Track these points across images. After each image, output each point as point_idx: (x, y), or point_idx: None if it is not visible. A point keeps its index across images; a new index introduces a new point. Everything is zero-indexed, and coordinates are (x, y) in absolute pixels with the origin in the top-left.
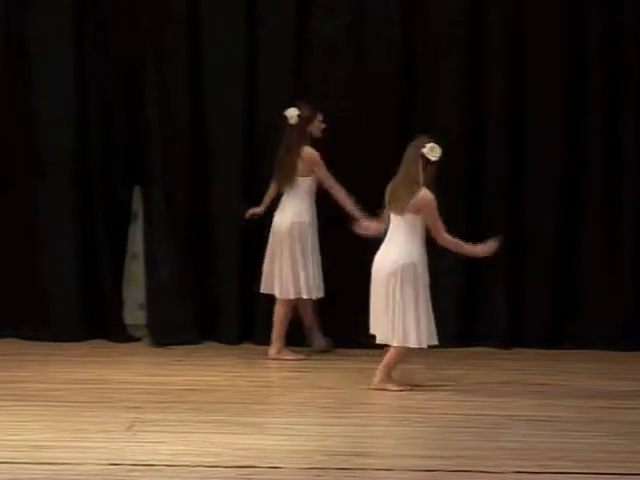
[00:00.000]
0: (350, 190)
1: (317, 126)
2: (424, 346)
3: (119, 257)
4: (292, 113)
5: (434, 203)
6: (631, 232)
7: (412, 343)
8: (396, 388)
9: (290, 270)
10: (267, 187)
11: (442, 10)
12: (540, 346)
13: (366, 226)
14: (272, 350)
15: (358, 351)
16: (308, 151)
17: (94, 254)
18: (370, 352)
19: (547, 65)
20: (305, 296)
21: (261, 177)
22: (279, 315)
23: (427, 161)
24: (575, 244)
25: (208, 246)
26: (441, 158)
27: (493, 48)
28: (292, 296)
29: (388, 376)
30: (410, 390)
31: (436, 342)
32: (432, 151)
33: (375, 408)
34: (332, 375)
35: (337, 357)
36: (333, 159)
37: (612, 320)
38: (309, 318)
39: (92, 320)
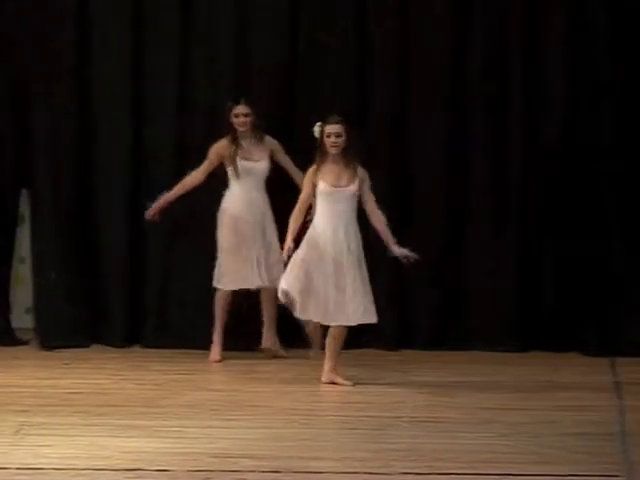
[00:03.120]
0: None
1: (233, 117)
2: None
3: (6, 260)
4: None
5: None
6: (514, 233)
7: None
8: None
9: None
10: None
11: None
12: (427, 347)
13: None
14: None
15: (246, 353)
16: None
17: None
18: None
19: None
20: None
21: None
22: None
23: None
24: (460, 245)
25: (95, 248)
26: (323, 132)
27: None
28: None
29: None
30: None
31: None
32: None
33: (263, 410)
34: (221, 377)
35: (226, 359)
36: None
37: (496, 321)
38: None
39: None
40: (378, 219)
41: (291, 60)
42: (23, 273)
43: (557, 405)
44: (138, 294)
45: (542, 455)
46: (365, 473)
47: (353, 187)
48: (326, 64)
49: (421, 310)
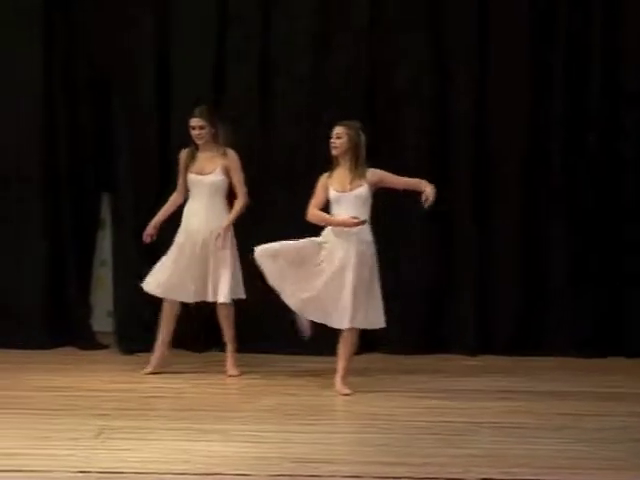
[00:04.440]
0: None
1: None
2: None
3: (87, 264)
4: None
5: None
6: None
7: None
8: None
9: None
10: None
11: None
12: (506, 353)
13: None
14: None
15: (320, 358)
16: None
17: (62, 261)
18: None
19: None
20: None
21: None
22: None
23: None
24: (542, 248)
25: None
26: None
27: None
28: None
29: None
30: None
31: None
32: None
33: (341, 415)
34: (298, 382)
35: (301, 362)
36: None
37: (577, 327)
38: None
39: (60, 327)
40: (414, 182)
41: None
42: (104, 277)
43: (633, 411)
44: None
45: (619, 461)
46: (444, 478)
47: (360, 190)
48: None
49: (501, 315)
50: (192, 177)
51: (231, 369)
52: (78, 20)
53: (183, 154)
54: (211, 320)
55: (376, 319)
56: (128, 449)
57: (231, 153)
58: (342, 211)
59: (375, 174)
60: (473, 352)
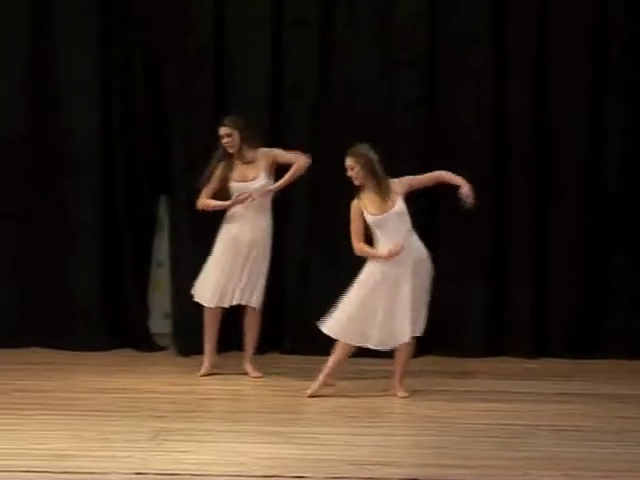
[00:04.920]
0: None
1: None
2: None
3: (145, 266)
4: None
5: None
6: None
7: None
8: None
9: None
10: None
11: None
12: (565, 355)
13: None
14: None
15: (378, 360)
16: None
17: (120, 263)
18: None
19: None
20: None
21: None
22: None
23: None
24: (600, 252)
25: None
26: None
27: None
28: None
29: None
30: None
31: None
32: None
33: (398, 417)
34: (357, 384)
35: (360, 365)
36: None
37: (636, 329)
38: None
39: (118, 329)
40: (437, 174)
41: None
42: (161, 278)
43: None
44: (275, 298)
45: None
46: None
47: (396, 208)
48: None
49: (559, 318)
50: (236, 185)
51: (255, 371)
52: (134, 14)
53: (220, 166)
54: (269, 323)
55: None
56: (185, 451)
57: (262, 150)
58: (386, 232)
59: (402, 184)
60: (531, 355)
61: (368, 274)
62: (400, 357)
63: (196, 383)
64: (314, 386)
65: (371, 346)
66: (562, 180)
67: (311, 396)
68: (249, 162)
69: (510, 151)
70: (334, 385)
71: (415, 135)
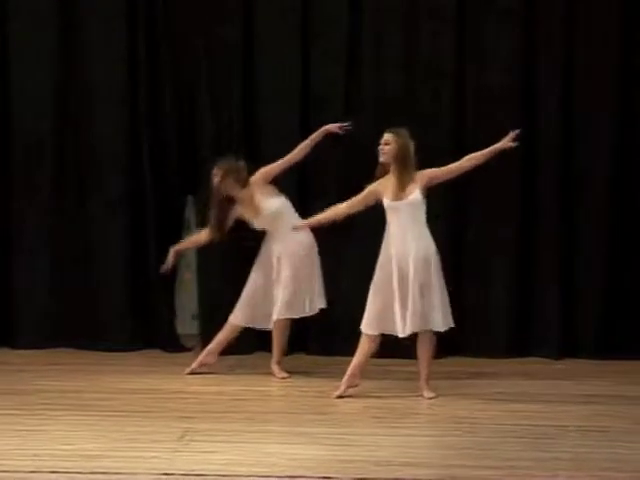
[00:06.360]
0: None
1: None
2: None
3: (172, 267)
4: None
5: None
6: None
7: None
8: None
9: None
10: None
11: None
12: (592, 356)
13: None
14: None
15: (405, 360)
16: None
17: (147, 264)
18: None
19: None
20: None
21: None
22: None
23: None
24: (626, 253)
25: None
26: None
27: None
28: None
29: None
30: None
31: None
32: None
33: (427, 418)
34: (384, 385)
35: (385, 366)
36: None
37: None
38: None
39: (145, 330)
40: (467, 160)
41: None
42: (189, 280)
43: None
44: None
45: None
46: None
47: (413, 197)
48: None
49: (586, 319)
50: (251, 219)
51: (281, 372)
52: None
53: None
54: (297, 324)
55: (448, 319)
56: (212, 451)
57: (252, 180)
58: (397, 220)
59: (424, 176)
60: (558, 356)
61: (377, 268)
62: (422, 354)
63: (224, 383)
64: (341, 387)
65: (400, 334)
66: (590, 180)
67: (338, 397)
68: (252, 196)
69: (537, 157)
70: (359, 386)
71: (443, 148)
